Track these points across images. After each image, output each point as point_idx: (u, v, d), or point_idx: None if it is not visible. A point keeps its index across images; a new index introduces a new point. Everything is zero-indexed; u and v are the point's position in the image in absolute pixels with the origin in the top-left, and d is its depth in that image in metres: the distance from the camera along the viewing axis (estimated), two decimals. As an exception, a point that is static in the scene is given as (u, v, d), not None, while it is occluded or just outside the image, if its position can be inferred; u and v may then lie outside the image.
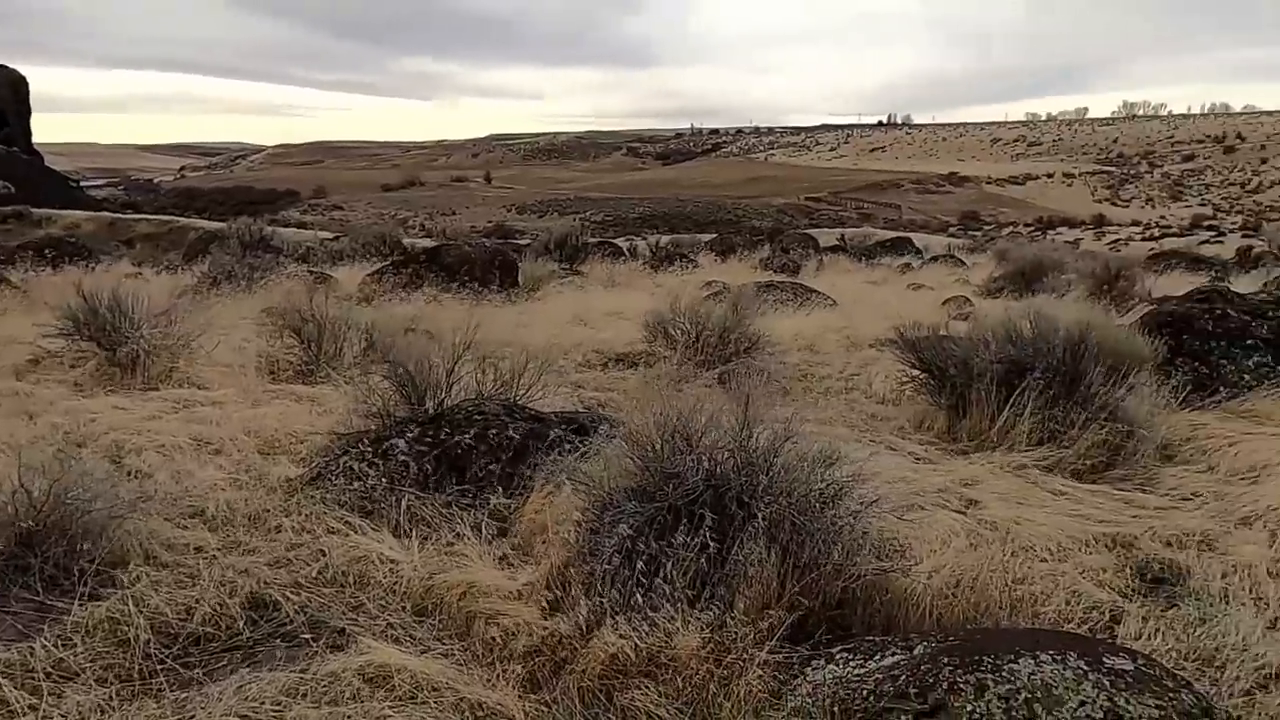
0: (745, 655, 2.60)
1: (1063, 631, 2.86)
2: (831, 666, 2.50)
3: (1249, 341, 5.98)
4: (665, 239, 23.17)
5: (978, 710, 2.13)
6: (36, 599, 3.00)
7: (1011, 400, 5.07)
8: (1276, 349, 5.92)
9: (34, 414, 5.29)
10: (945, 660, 2.29)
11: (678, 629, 2.69)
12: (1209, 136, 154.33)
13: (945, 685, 2.21)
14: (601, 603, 2.85)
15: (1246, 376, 5.79)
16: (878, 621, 2.92)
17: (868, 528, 3.13)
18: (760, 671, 2.54)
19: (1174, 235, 61.19)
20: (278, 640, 2.86)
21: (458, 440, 4.09)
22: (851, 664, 2.50)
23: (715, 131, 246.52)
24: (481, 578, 3.16)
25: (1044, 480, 4.52)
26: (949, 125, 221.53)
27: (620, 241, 26.28)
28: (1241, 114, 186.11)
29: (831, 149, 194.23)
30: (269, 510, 3.87)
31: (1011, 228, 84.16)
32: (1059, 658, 2.23)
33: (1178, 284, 12.61)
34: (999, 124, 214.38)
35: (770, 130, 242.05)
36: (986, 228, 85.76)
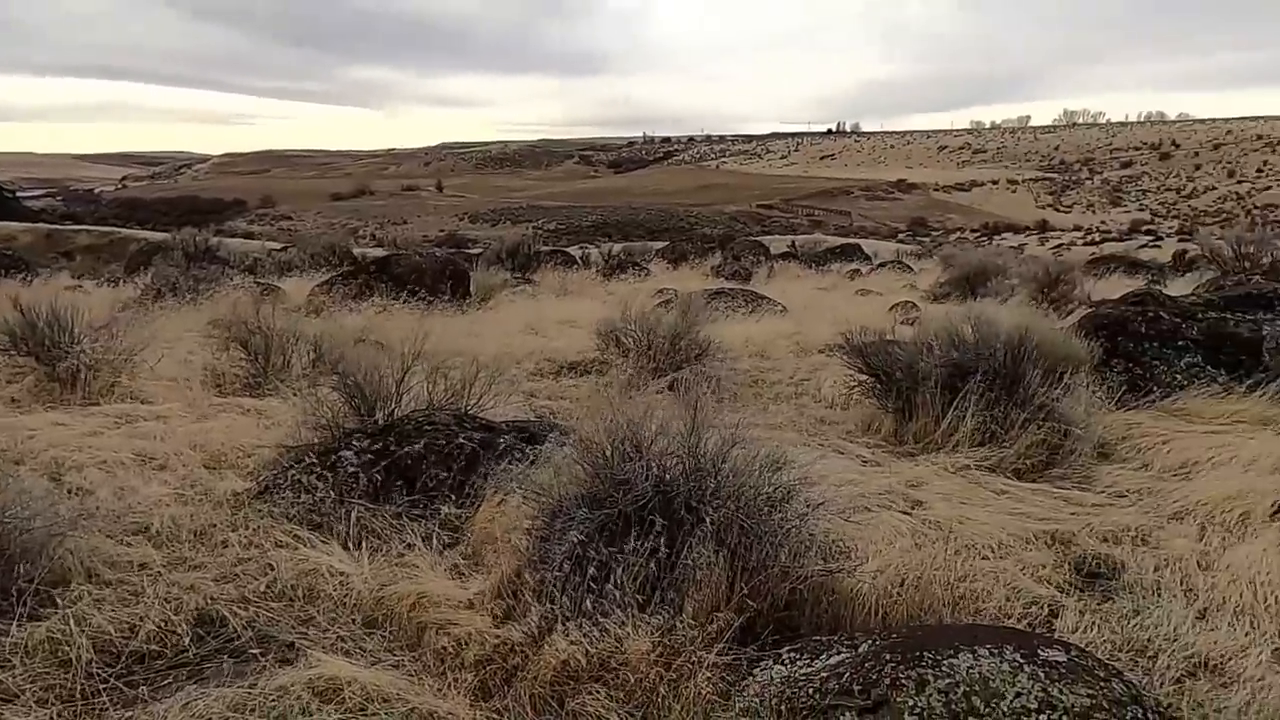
0: (695, 658, 2.63)
1: (1000, 626, 2.94)
2: (779, 666, 2.55)
3: (1180, 343, 6.19)
4: (618, 247, 23.25)
5: (919, 705, 2.19)
6: (-28, 621, 2.93)
7: (955, 403, 5.19)
8: (1206, 350, 6.13)
9: (-31, 432, 5.15)
10: (888, 657, 2.35)
11: (628, 633, 2.72)
12: (1146, 144, 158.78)
13: (888, 681, 2.27)
14: (553, 609, 2.87)
15: (1178, 377, 5.99)
16: (825, 621, 2.97)
17: (815, 530, 3.19)
18: (709, 673, 2.58)
19: (1114, 240, 62.84)
20: (225, 656, 2.83)
21: (408, 451, 4.08)
22: (798, 663, 2.55)
23: (667, 139, 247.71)
24: (432, 588, 3.16)
25: (986, 480, 4.64)
26: (896, 133, 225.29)
27: (573, 250, 26.29)
28: (1176, 122, 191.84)
29: (782, 157, 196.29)
30: (215, 525, 3.82)
31: (959, 233, 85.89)
32: (996, 651, 2.30)
33: (1116, 287, 12.99)
34: (945, 131, 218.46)
35: (722, 138, 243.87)
36: (934, 233, 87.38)
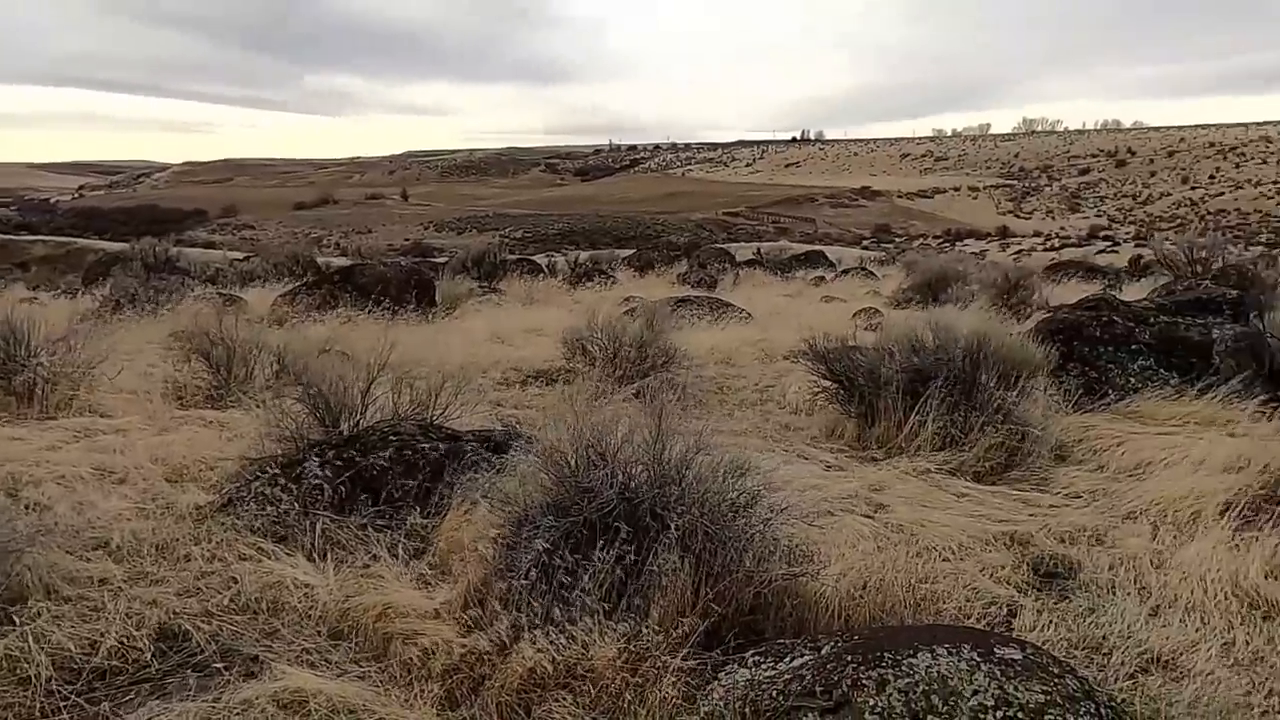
0: (660, 663, 2.66)
1: (959, 626, 3.00)
2: (743, 670, 2.58)
3: (1134, 346, 6.35)
4: (584, 255, 23.28)
5: (879, 704, 2.24)
6: (-72, 640, 2.88)
7: (917, 407, 5.28)
8: (1159, 353, 6.29)
9: (-78, 448, 5.05)
10: (849, 658, 2.40)
11: (594, 640, 2.74)
12: (1102, 151, 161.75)
13: (849, 682, 2.31)
14: (520, 617, 2.89)
15: (1132, 380, 6.13)
16: (789, 625, 3.01)
17: (778, 534, 3.23)
18: (674, 678, 2.61)
19: (1073, 245, 63.88)
20: (188, 670, 2.81)
21: (373, 461, 4.07)
22: (762, 667, 2.59)
23: (633, 148, 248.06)
24: (398, 598, 3.16)
25: (947, 483, 4.72)
26: (860, 141, 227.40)
27: (539, 258, 26.29)
28: (1131, 130, 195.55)
29: (748, 164, 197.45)
30: (178, 539, 3.79)
31: (922, 240, 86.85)
32: (954, 651, 2.35)
33: (1074, 292, 13.24)
34: (907, 139, 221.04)
35: (688, 146, 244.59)
36: (898, 240, 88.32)
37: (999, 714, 2.18)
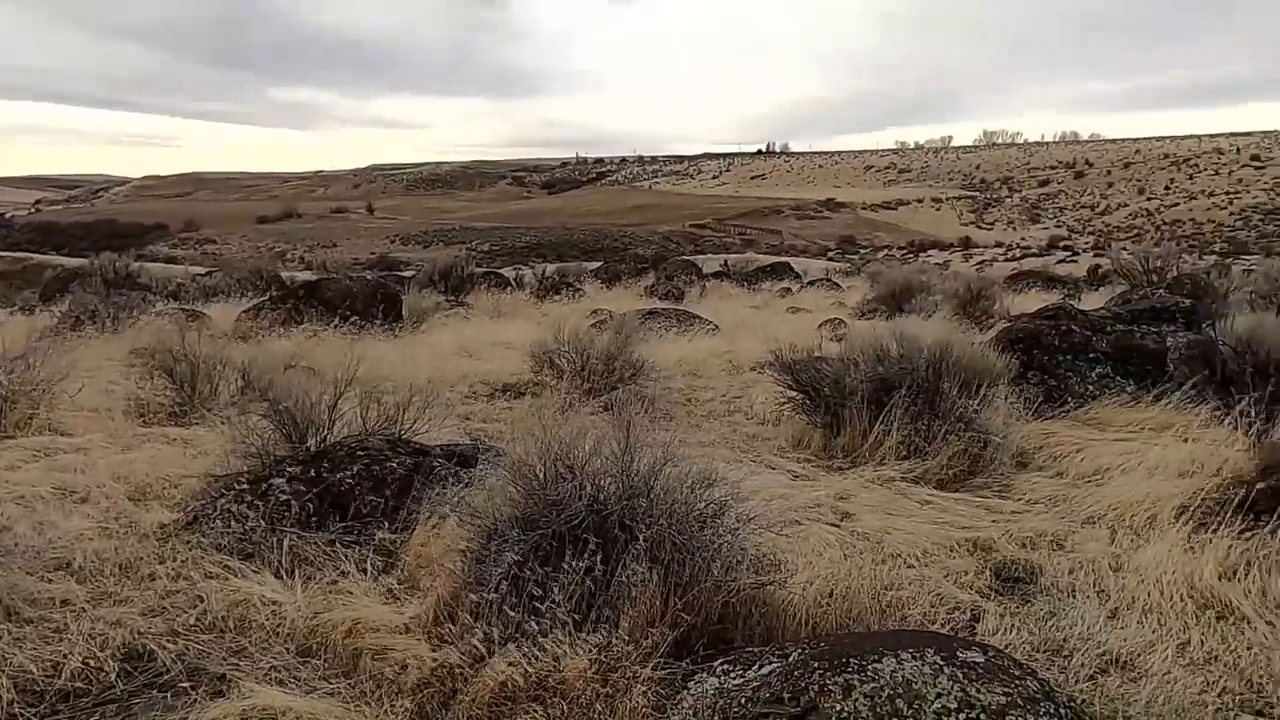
0: (630, 673, 2.68)
1: (923, 631, 3.06)
2: (712, 679, 2.62)
3: (1092, 355, 6.49)
4: (552, 268, 23.27)
5: (846, 709, 2.28)
6: (-116, 665, 2.83)
7: (881, 417, 5.35)
8: (1116, 361, 6.44)
9: (-125, 469, 4.94)
10: (815, 665, 2.44)
11: (565, 652, 2.76)
12: (1061, 163, 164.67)
13: (816, 688, 2.35)
14: (490, 631, 2.89)
15: (1090, 387, 6.27)
16: (758, 633, 3.05)
17: (746, 544, 3.27)
18: (645, 688, 2.63)
19: (1034, 255, 64.97)
20: (154, 691, 2.79)
21: (340, 477, 4.06)
22: (731, 675, 2.62)
23: (600, 160, 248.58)
24: (367, 614, 3.15)
25: (911, 491, 4.79)
26: (824, 153, 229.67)
27: (507, 271, 26.26)
28: (1089, 142, 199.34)
29: (714, 177, 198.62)
30: (142, 558, 3.74)
31: (886, 250, 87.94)
32: (918, 655, 2.40)
33: (1034, 301, 13.49)
34: (871, 151, 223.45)
35: (654, 159, 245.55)
36: (863, 251, 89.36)
37: (962, 716, 2.22)
